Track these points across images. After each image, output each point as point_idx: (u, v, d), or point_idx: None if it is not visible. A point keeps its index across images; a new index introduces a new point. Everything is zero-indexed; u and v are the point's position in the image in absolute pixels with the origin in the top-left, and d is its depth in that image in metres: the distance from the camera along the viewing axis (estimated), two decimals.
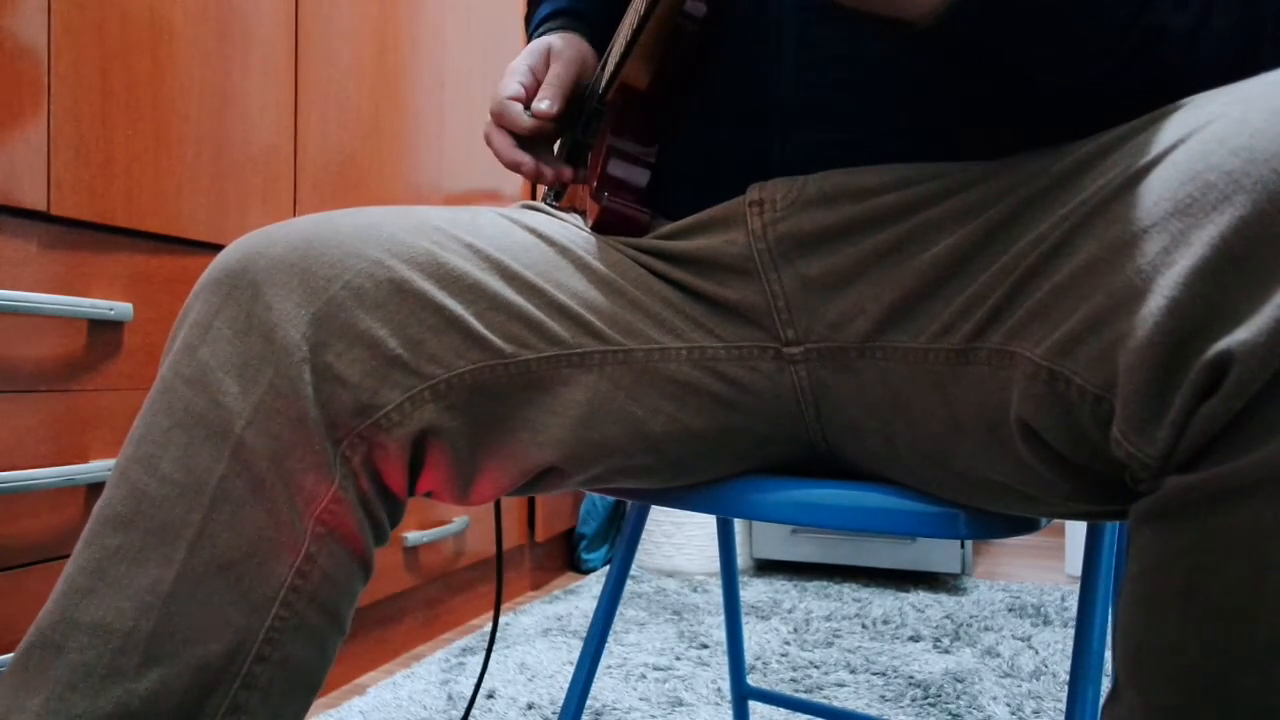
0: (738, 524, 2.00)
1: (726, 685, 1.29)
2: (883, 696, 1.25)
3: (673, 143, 0.57)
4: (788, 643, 1.49)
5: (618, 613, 1.54)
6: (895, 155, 0.48)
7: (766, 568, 2.07)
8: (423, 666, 1.36)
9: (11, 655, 0.41)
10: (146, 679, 0.39)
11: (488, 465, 0.48)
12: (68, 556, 0.88)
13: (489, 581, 1.71)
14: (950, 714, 1.19)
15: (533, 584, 1.87)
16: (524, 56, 0.63)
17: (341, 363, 0.43)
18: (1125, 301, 0.33)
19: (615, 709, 1.19)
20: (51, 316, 0.85)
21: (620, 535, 0.71)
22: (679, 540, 2.00)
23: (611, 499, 1.79)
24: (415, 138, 1.44)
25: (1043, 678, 1.31)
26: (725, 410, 0.52)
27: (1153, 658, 0.31)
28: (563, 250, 0.51)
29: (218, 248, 1.06)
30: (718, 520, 0.85)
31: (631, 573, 1.98)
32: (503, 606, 1.73)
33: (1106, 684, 0.97)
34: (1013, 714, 1.18)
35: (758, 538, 2.01)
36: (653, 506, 1.27)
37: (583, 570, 2.02)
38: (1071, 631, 1.53)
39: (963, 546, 1.88)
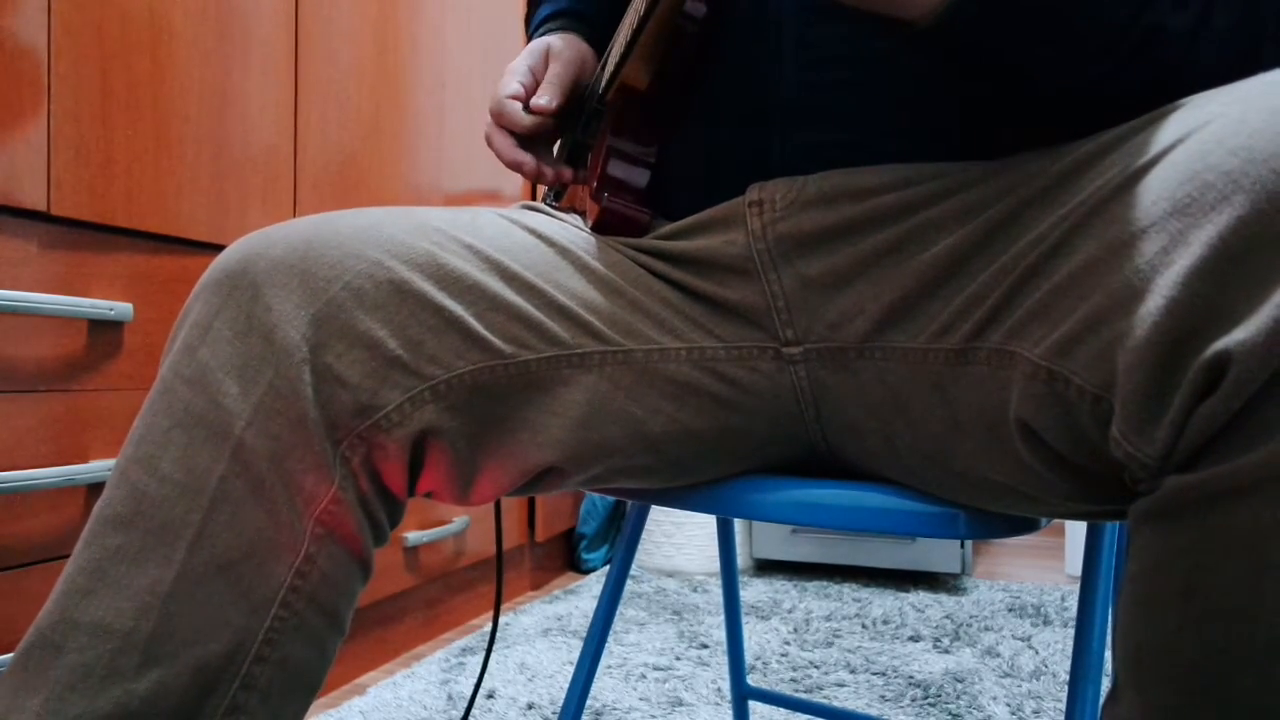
0: (738, 524, 2.00)
1: (726, 685, 1.29)
2: (883, 696, 1.25)
3: (672, 143, 0.57)
4: (788, 643, 1.49)
5: (618, 613, 1.54)
6: (895, 155, 0.48)
7: (766, 568, 2.07)
8: (423, 666, 1.36)
9: (11, 655, 0.41)
10: (146, 679, 0.39)
11: (488, 465, 0.48)
12: (68, 556, 0.88)
13: (489, 581, 1.71)
14: (950, 714, 1.19)
15: (533, 584, 1.88)
16: (523, 57, 0.63)
17: (341, 363, 0.43)
18: (1124, 301, 0.33)
19: (615, 709, 1.19)
20: (51, 316, 0.85)
21: (620, 535, 0.71)
22: (679, 540, 2.01)
23: (611, 499, 1.79)
24: (415, 138, 1.44)
25: (1043, 678, 1.31)
26: (725, 410, 0.52)
27: (1152, 657, 0.31)
28: (562, 251, 0.51)
29: (218, 248, 1.06)
30: (718, 520, 0.85)
31: (631, 573, 1.99)
32: (503, 606, 1.73)
33: (1106, 684, 0.97)
34: (1013, 714, 1.18)
35: (758, 538, 2.01)
36: (653, 506, 1.27)
37: (583, 570, 2.02)
38: (1071, 631, 1.53)
39: (963, 546, 1.88)
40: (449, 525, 1.48)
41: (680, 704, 1.21)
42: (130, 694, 0.39)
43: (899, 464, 0.50)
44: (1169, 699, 0.30)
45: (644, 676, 1.32)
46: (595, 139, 0.61)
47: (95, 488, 0.89)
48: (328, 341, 0.43)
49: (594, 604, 1.38)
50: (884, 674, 1.33)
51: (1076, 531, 2.06)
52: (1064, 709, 1.05)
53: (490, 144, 0.63)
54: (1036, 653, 1.43)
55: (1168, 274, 0.31)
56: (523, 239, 0.51)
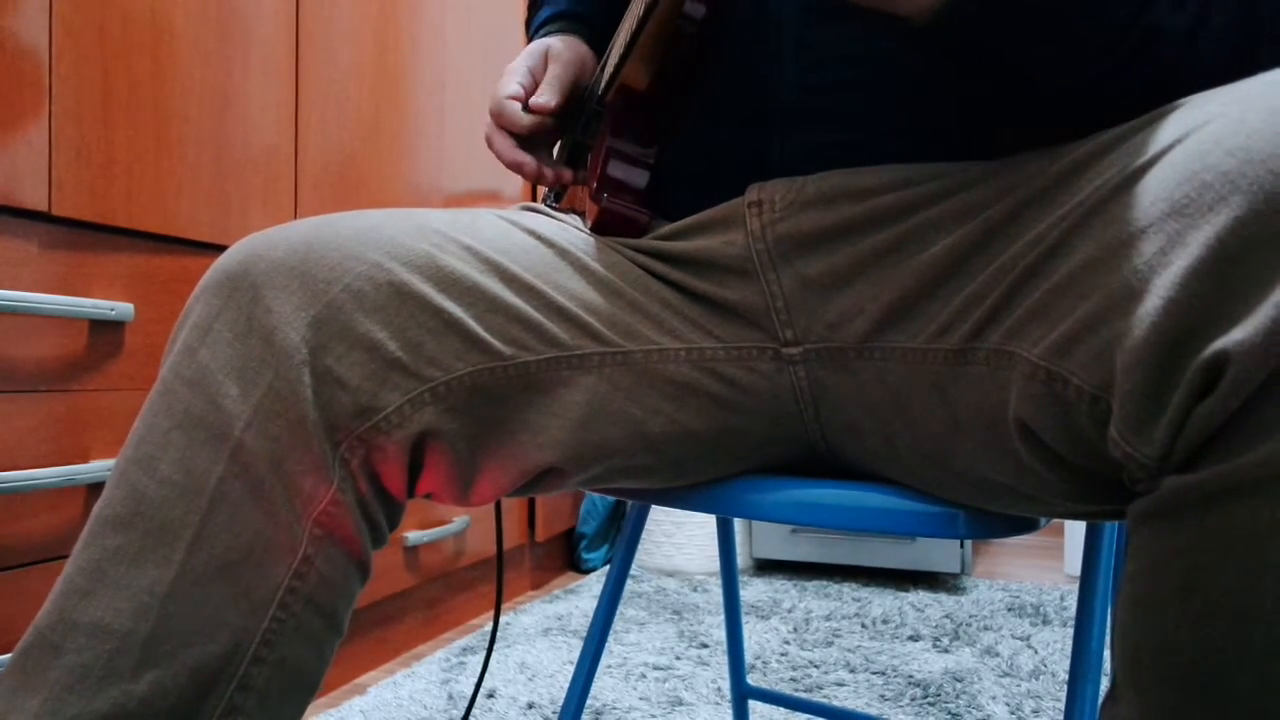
0: (738, 524, 2.00)
1: (726, 685, 1.29)
2: (882, 696, 1.25)
3: (672, 143, 0.57)
4: (787, 642, 1.49)
5: (618, 612, 1.55)
6: (895, 155, 0.48)
7: (766, 567, 2.07)
8: (423, 666, 1.36)
9: (10, 655, 0.41)
10: (144, 680, 0.40)
11: (487, 466, 0.48)
12: (68, 556, 0.88)
13: (489, 581, 1.71)
14: (950, 713, 1.19)
15: (533, 584, 1.88)
16: (523, 58, 0.64)
17: (341, 365, 0.43)
18: (1122, 302, 0.33)
19: (615, 708, 1.19)
20: (52, 316, 0.86)
21: (620, 535, 0.71)
22: (679, 540, 2.01)
23: (611, 499, 1.79)
24: (415, 138, 1.44)
25: (1042, 677, 1.31)
26: (724, 411, 0.52)
27: (1151, 657, 0.31)
28: (562, 252, 0.51)
29: (219, 248, 1.06)
30: (718, 520, 0.85)
31: (631, 572, 1.99)
32: (503, 606, 1.73)
33: (1105, 683, 0.97)
34: (1012, 713, 1.18)
35: (758, 538, 2.01)
36: (653, 506, 1.27)
37: (583, 570, 2.02)
38: (1070, 631, 1.53)
39: (962, 546, 1.88)
40: (449, 525, 1.48)
41: (680, 703, 1.21)
42: (128, 695, 0.39)
43: (899, 464, 0.50)
44: (1168, 699, 0.30)
45: (644, 676, 1.32)
46: (595, 140, 0.61)
47: (95, 488, 0.90)
48: (327, 343, 0.43)
49: (594, 604, 1.38)
50: (883, 673, 1.33)
51: (1076, 531, 2.06)
52: (1063, 708, 1.05)
53: (490, 145, 0.63)
54: (1036, 652, 1.43)
55: (1166, 274, 0.31)
56: (522, 240, 0.51)
